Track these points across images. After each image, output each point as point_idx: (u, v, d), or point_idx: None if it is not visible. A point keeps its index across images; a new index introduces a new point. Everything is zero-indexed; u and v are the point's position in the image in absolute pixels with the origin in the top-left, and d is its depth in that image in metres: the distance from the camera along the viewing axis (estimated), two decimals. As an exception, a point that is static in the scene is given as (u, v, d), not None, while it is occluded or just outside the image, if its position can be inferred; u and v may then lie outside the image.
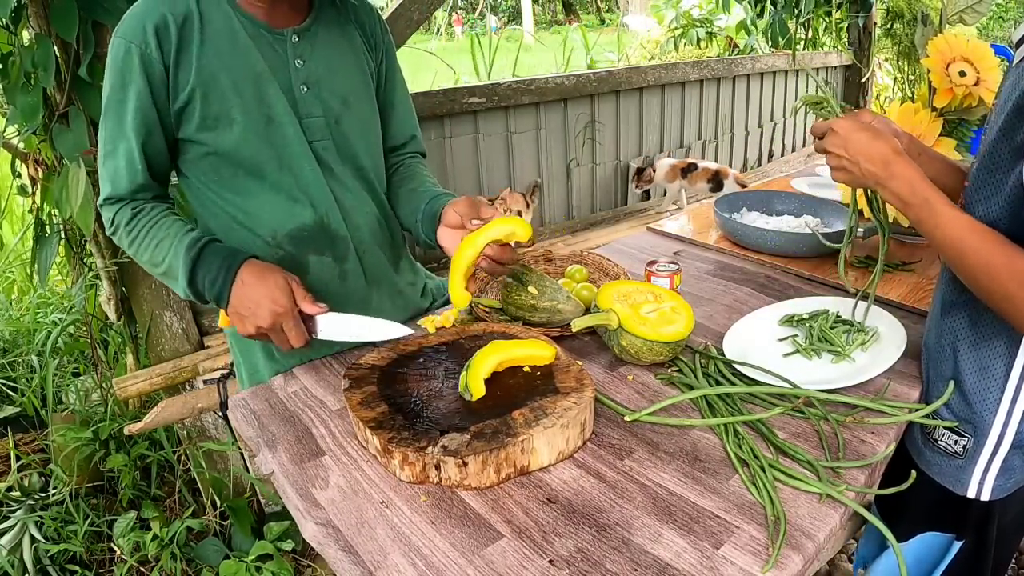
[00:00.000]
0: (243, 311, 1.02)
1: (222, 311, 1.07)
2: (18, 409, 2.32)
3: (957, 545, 1.05)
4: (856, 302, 1.22)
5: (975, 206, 0.93)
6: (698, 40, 5.52)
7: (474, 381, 0.96)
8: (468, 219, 1.14)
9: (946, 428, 1.01)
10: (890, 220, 1.46)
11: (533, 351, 1.04)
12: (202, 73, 1.04)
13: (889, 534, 0.84)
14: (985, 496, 1.00)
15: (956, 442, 1.00)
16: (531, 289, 1.22)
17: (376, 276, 1.29)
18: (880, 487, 0.95)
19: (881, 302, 1.33)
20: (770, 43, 4.61)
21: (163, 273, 1.08)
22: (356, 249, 1.24)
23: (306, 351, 1.12)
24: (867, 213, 1.44)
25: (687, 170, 3.52)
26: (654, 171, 3.56)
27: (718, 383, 1.07)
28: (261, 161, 1.11)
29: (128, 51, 1.01)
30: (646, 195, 3.87)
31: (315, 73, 1.14)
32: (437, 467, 0.87)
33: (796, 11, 4.61)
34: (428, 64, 4.55)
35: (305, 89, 1.13)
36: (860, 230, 1.58)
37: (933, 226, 0.90)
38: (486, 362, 0.99)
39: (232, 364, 1.43)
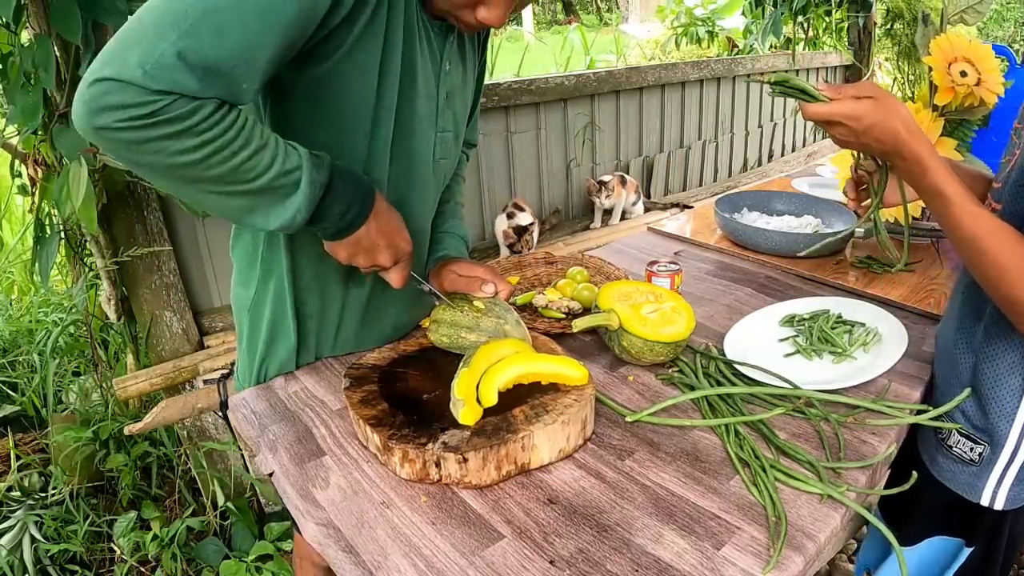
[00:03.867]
0: (371, 244, 0.91)
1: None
2: (18, 409, 2.32)
3: (967, 551, 1.04)
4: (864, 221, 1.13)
5: (1007, 204, 0.91)
6: (698, 39, 5.51)
7: (487, 390, 0.92)
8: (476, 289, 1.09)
9: (961, 435, 0.99)
10: (892, 220, 1.47)
11: (564, 369, 0.97)
12: (375, 20, 0.85)
13: (891, 536, 0.84)
14: (999, 505, 0.99)
15: (971, 449, 0.99)
16: (477, 303, 1.09)
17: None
18: (886, 489, 0.95)
19: (882, 302, 1.33)
20: (763, 42, 4.61)
21: (252, 191, 0.78)
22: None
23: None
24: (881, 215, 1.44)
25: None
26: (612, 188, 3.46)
27: (719, 383, 1.07)
28: (392, 161, 0.98)
29: None
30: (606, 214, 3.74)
31: (454, 80, 1.02)
32: (437, 464, 0.86)
33: (794, 11, 4.61)
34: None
35: (446, 97, 1.01)
36: (860, 230, 1.58)
37: (948, 215, 0.87)
38: (504, 373, 0.96)
39: (233, 364, 1.40)
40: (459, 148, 1.16)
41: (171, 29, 0.67)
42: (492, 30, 1.10)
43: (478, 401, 0.92)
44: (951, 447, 1.02)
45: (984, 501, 0.99)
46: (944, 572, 1.07)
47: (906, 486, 0.92)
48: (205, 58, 0.69)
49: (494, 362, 0.98)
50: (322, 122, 0.91)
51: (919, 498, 0.97)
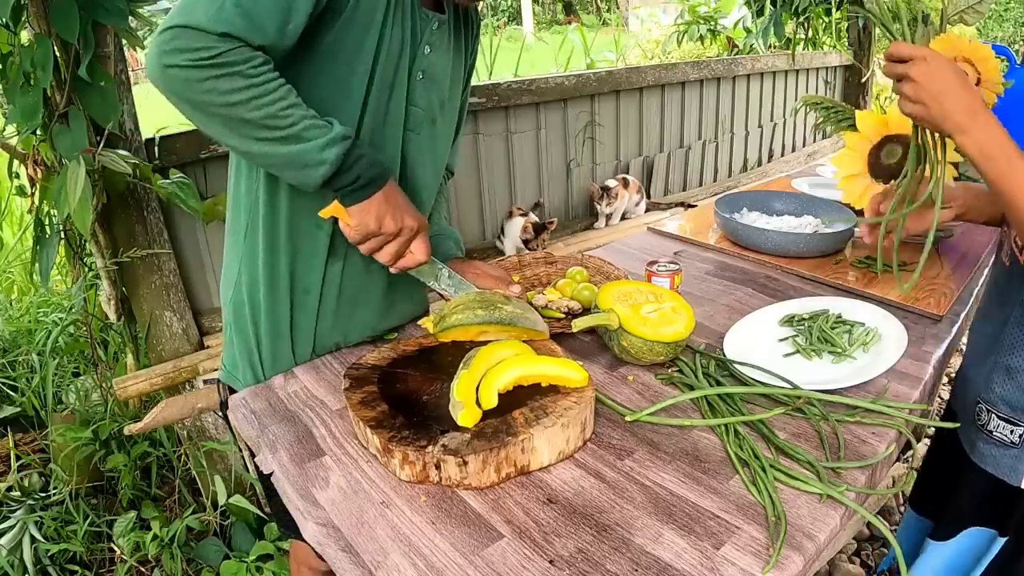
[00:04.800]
0: (387, 209, 1.01)
1: (334, 205, 1.01)
2: (18, 409, 2.32)
3: (1000, 542, 1.05)
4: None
5: None
6: (700, 37, 5.51)
7: (487, 393, 0.92)
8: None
9: (1000, 418, 1.00)
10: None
11: (564, 371, 0.97)
12: (375, 7, 0.98)
13: (891, 537, 0.84)
14: None
15: (1012, 431, 0.99)
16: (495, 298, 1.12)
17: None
18: (925, 482, 0.94)
19: (881, 302, 1.33)
20: (763, 42, 4.61)
21: (283, 137, 0.91)
22: None
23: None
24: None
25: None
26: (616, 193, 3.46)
27: (718, 383, 1.07)
28: (365, 128, 1.05)
29: None
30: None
31: (433, 66, 1.11)
32: (437, 466, 0.86)
33: (794, 11, 4.61)
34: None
35: (420, 76, 1.10)
36: (859, 230, 1.58)
37: (1012, 181, 0.86)
38: (504, 375, 0.96)
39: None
40: (436, 139, 1.19)
41: None
42: (482, 32, 1.22)
43: (478, 403, 0.92)
44: (991, 432, 1.02)
45: None
46: (977, 564, 1.07)
47: (905, 486, 0.92)
48: (256, 5, 0.84)
49: (494, 364, 0.98)
50: (322, 85, 1.01)
51: (959, 489, 0.98)
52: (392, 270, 1.10)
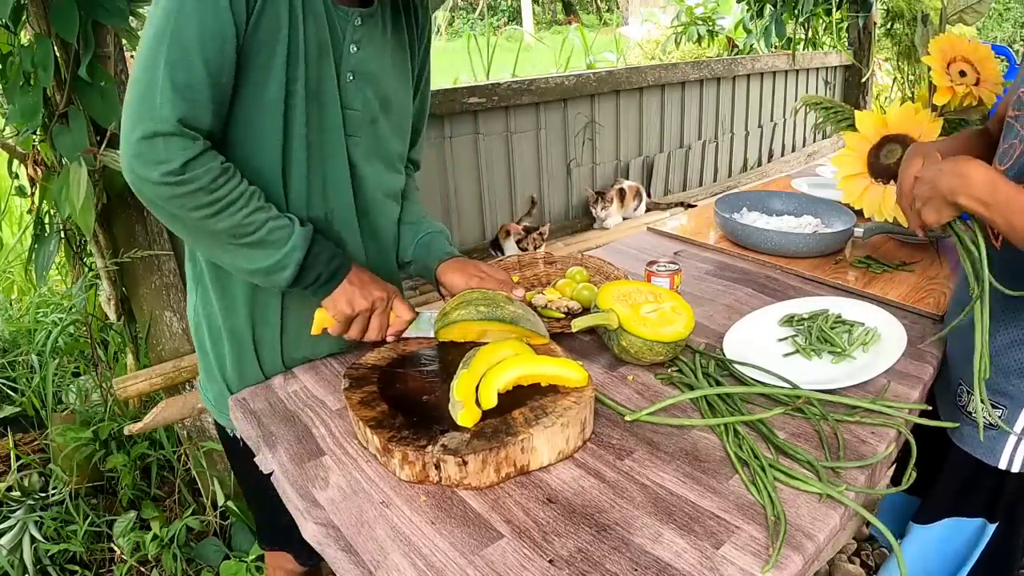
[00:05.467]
0: (356, 289, 1.05)
1: (318, 314, 1.06)
2: (18, 409, 2.32)
3: (991, 529, 1.07)
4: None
5: None
6: (699, 38, 5.51)
7: (487, 393, 0.92)
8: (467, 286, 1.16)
9: (980, 400, 1.02)
10: (891, 221, 1.47)
11: (564, 371, 0.97)
12: (278, 22, 0.95)
13: (890, 535, 0.84)
14: (1016, 467, 1.02)
15: (990, 414, 1.02)
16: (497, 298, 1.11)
17: None
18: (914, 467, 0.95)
19: (881, 302, 1.33)
20: (765, 43, 4.61)
21: (250, 243, 0.97)
22: (360, 259, 1.16)
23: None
24: (878, 216, 1.44)
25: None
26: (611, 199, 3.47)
27: (718, 383, 1.07)
28: (298, 140, 1.03)
29: None
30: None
31: (364, 64, 1.07)
32: (437, 466, 0.87)
33: (795, 11, 4.61)
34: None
35: (351, 78, 1.06)
36: (859, 230, 1.58)
37: (1011, 214, 0.87)
38: (504, 374, 0.95)
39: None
40: (381, 139, 1.15)
41: (152, 74, 0.87)
42: (432, 35, 1.22)
43: (477, 403, 0.92)
44: (971, 413, 1.05)
45: (1003, 464, 1.03)
46: (970, 553, 1.09)
47: (903, 487, 0.93)
48: (187, 84, 0.88)
49: (494, 364, 0.98)
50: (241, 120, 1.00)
51: (942, 471, 1.00)
52: (389, 339, 1.13)
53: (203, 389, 1.25)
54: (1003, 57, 1.54)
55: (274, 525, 1.29)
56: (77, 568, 1.88)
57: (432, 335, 1.14)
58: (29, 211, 1.88)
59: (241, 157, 1.00)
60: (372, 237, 1.20)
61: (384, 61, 1.11)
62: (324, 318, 1.07)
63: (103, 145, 1.70)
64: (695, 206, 3.68)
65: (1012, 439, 1.02)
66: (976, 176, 0.89)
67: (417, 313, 1.16)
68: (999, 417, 1.02)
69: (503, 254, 3.10)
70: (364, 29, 1.06)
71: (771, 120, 4.79)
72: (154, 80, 0.87)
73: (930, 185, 0.94)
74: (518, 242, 3.00)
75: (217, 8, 0.89)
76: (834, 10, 4.73)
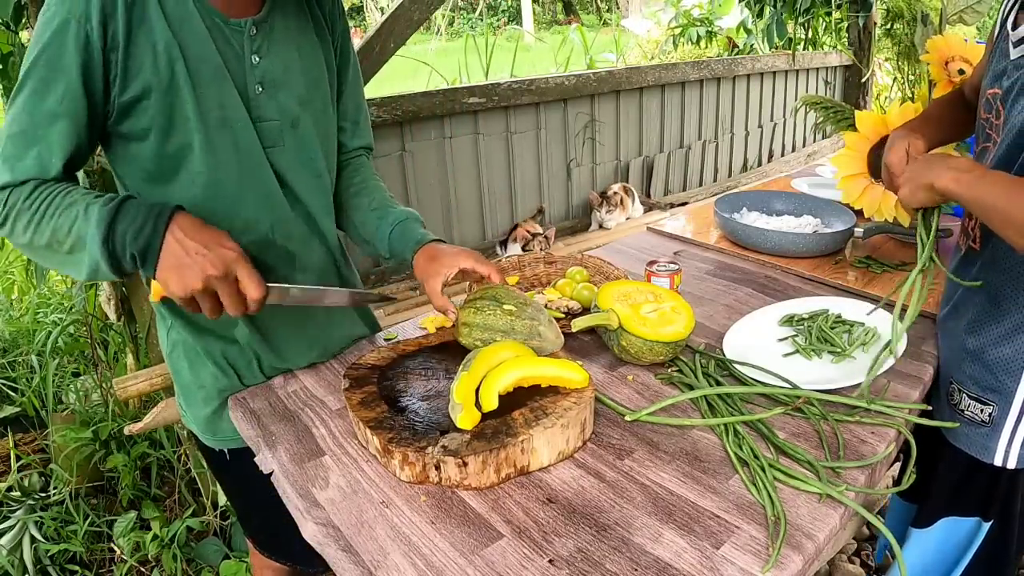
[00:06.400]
0: (183, 261, 0.87)
1: (155, 282, 0.92)
2: (18, 409, 2.32)
3: (986, 526, 1.08)
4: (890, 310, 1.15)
5: None
6: (698, 39, 5.52)
7: (487, 395, 0.92)
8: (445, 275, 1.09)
9: (971, 398, 1.05)
10: (891, 221, 1.47)
11: (564, 372, 0.97)
12: (157, 64, 0.92)
13: (891, 537, 0.84)
14: (1011, 464, 1.03)
15: (982, 411, 1.04)
16: (508, 307, 1.06)
17: (317, 282, 1.18)
18: (906, 467, 0.96)
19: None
20: (766, 43, 4.61)
21: (69, 248, 0.89)
22: (303, 267, 1.13)
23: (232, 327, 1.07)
24: (878, 216, 1.44)
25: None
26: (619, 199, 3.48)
27: (718, 383, 1.07)
28: (212, 168, 0.99)
29: (65, 25, 0.87)
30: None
31: (271, 72, 1.03)
32: (437, 467, 0.87)
33: (795, 11, 4.62)
34: (424, 67, 4.55)
35: (260, 89, 1.02)
36: (859, 230, 1.58)
37: (979, 186, 0.91)
38: (504, 376, 0.95)
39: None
40: (306, 140, 1.10)
41: None
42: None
43: (477, 405, 0.92)
44: (963, 411, 1.06)
45: (997, 461, 1.04)
46: (965, 552, 1.10)
47: (904, 486, 0.93)
48: (15, 155, 0.89)
49: (494, 365, 0.98)
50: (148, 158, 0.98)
51: (937, 471, 1.02)
52: (253, 309, 0.93)
53: (184, 414, 1.21)
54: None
55: (268, 534, 1.29)
56: (77, 568, 1.88)
57: (289, 303, 1.04)
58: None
59: (162, 194, 0.99)
60: (322, 242, 1.16)
61: (292, 63, 1.06)
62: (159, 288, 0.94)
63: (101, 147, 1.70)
64: (686, 203, 3.69)
65: (1005, 435, 1.03)
66: (954, 160, 0.95)
67: (271, 288, 0.95)
68: (990, 415, 1.03)
69: (507, 250, 3.10)
70: (261, 37, 1.02)
71: (771, 120, 4.79)
72: None
73: (911, 172, 1.01)
74: (524, 246, 3.01)
75: (68, 84, 0.88)
76: (834, 10, 4.73)
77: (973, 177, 0.91)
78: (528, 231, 3.07)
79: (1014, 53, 0.96)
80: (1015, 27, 0.97)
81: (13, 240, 0.94)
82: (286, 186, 1.09)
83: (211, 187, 1.01)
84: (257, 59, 1.02)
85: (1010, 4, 1.03)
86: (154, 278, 0.90)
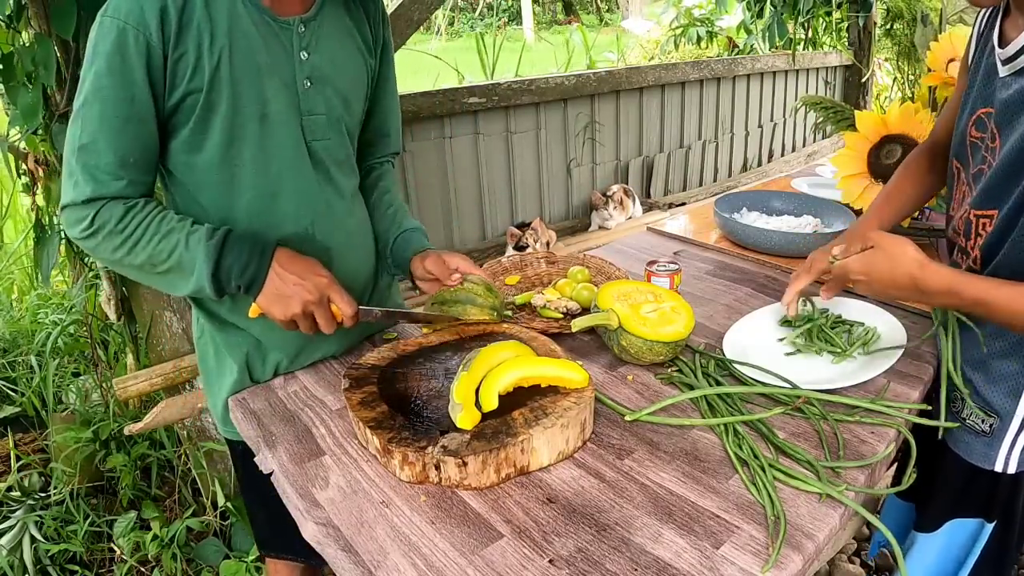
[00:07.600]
0: (284, 291, 0.99)
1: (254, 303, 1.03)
2: (18, 409, 2.32)
3: (989, 527, 1.09)
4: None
5: (987, 203, 0.98)
6: (698, 39, 5.52)
7: (487, 395, 0.92)
8: (443, 278, 1.16)
9: (973, 408, 1.05)
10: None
11: (564, 372, 0.97)
12: (205, 66, 0.96)
13: (891, 536, 0.84)
14: (1012, 469, 1.05)
15: (983, 421, 1.05)
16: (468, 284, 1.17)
17: (358, 290, 1.22)
18: (904, 467, 0.97)
19: (881, 302, 1.33)
20: (767, 43, 4.62)
21: (167, 270, 0.99)
22: (341, 261, 1.16)
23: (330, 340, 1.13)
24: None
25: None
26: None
27: (718, 383, 1.07)
28: (259, 162, 1.04)
29: (123, 33, 0.90)
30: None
31: (320, 68, 1.07)
32: (437, 467, 0.87)
33: (796, 11, 4.62)
34: (426, 65, 4.55)
35: (308, 84, 1.06)
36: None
37: (998, 311, 0.91)
38: (504, 377, 0.95)
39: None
40: (343, 135, 1.15)
41: (71, 155, 0.95)
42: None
43: (477, 405, 0.92)
44: (965, 419, 1.07)
45: (998, 467, 1.05)
46: (970, 553, 1.11)
47: (904, 486, 0.93)
48: (96, 165, 0.94)
49: (494, 365, 0.98)
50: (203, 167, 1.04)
51: (937, 474, 1.03)
52: (349, 324, 1.05)
53: (208, 400, 1.25)
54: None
55: (277, 530, 1.29)
56: (77, 568, 1.88)
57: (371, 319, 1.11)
58: (31, 209, 1.88)
59: (208, 187, 1.04)
60: (346, 239, 1.18)
61: (338, 60, 1.10)
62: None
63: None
64: (685, 203, 3.69)
65: (1006, 443, 1.04)
66: (932, 287, 0.94)
67: (361, 305, 1.06)
68: (991, 426, 1.04)
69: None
70: (310, 33, 1.06)
71: (771, 120, 4.79)
72: (70, 162, 0.96)
73: (882, 292, 1.00)
74: (516, 244, 3.00)
75: (136, 92, 0.93)
76: (834, 10, 4.74)
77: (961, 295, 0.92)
78: (513, 232, 3.04)
79: (1003, 70, 0.96)
80: (1002, 44, 0.96)
81: (96, 254, 1.02)
82: (330, 183, 1.13)
83: (257, 178, 1.05)
84: (306, 55, 1.06)
85: (984, 23, 1.03)
86: (255, 303, 1.02)
